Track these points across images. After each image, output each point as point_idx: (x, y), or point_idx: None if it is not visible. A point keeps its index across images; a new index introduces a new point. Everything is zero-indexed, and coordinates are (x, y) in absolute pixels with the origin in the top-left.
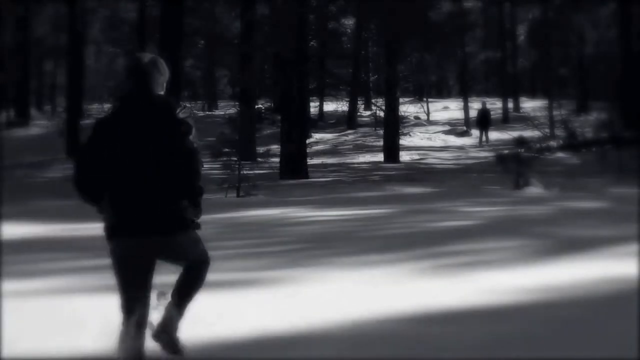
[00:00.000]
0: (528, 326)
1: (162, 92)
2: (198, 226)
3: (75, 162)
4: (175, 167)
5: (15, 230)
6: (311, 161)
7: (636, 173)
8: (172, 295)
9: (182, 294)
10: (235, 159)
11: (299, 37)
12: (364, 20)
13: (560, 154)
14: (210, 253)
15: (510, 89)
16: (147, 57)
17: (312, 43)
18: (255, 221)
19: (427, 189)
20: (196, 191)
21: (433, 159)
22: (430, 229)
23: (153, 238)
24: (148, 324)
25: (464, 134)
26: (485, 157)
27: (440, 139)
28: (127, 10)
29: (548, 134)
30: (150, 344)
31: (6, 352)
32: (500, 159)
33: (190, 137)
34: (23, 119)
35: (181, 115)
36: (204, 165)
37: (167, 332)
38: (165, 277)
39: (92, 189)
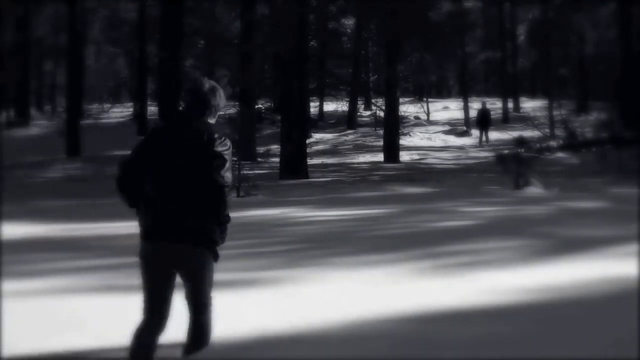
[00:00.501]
0: (528, 326)
1: (214, 120)
2: (216, 257)
3: (122, 164)
4: (205, 196)
5: (15, 230)
6: (311, 161)
7: (636, 173)
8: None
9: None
10: (235, 159)
11: (299, 37)
12: (364, 20)
13: (560, 154)
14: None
15: (510, 89)
16: (208, 84)
17: (312, 43)
18: (255, 221)
19: (427, 189)
20: (222, 220)
21: (433, 159)
22: (430, 229)
23: (177, 246)
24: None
25: (464, 134)
26: (485, 157)
27: (440, 139)
28: (127, 10)
29: (548, 134)
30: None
31: (6, 352)
32: (500, 159)
33: (222, 171)
34: (23, 119)
35: (219, 148)
36: None
37: None
38: None
39: (131, 191)
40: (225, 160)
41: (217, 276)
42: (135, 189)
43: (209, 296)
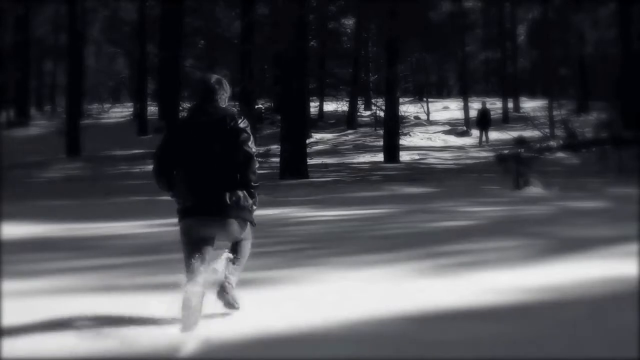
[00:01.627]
0: (528, 326)
1: (225, 105)
2: (253, 223)
3: (154, 158)
4: (236, 166)
5: (15, 230)
6: (311, 161)
7: (636, 173)
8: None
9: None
10: None
11: (299, 36)
12: (364, 20)
13: (560, 154)
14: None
15: (510, 89)
16: (213, 77)
17: (312, 43)
18: (256, 221)
19: (427, 189)
20: (251, 185)
21: (433, 159)
22: (430, 229)
23: (211, 218)
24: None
25: (464, 134)
26: (485, 157)
27: (440, 139)
28: (127, 10)
29: (548, 134)
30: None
31: (6, 352)
32: (500, 159)
33: (249, 143)
34: (23, 119)
35: (242, 125)
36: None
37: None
38: None
39: (166, 179)
40: (250, 135)
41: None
42: (169, 175)
43: (243, 262)
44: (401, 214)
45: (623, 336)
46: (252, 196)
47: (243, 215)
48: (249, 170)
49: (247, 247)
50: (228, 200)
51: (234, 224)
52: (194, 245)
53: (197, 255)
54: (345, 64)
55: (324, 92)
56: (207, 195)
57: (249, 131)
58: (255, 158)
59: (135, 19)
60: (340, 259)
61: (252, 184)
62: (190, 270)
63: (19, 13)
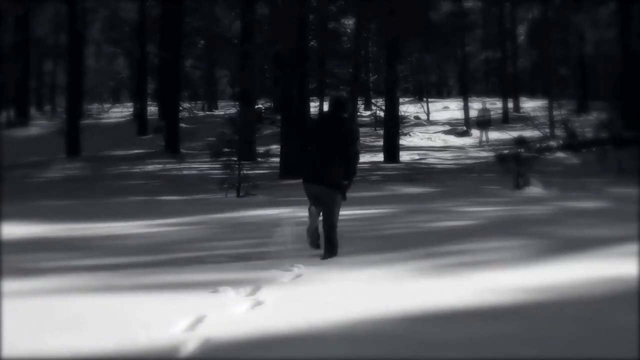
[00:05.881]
0: (528, 326)
1: (346, 115)
2: (344, 197)
3: (303, 138)
4: (345, 157)
5: (15, 230)
6: None
7: (636, 173)
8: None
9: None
10: (235, 159)
11: (299, 37)
12: (364, 20)
13: (560, 154)
14: (210, 252)
15: (510, 89)
16: (343, 97)
17: (312, 43)
18: (255, 221)
19: (427, 189)
20: (352, 172)
21: (433, 159)
22: (430, 229)
23: (320, 185)
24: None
25: (464, 134)
26: (485, 157)
27: (440, 139)
28: (127, 10)
29: (548, 134)
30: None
31: (6, 352)
32: (500, 159)
33: (357, 144)
34: (23, 119)
35: (354, 130)
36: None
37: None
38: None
39: (305, 154)
40: (358, 137)
41: (218, 276)
42: (306, 153)
43: (336, 221)
44: (401, 214)
45: (623, 336)
46: (349, 179)
47: (339, 189)
48: (354, 162)
49: (338, 212)
50: (334, 177)
51: (332, 192)
52: (310, 199)
53: (312, 207)
54: (345, 64)
55: (324, 92)
56: (322, 171)
57: (358, 135)
58: (359, 154)
59: (135, 19)
60: (341, 259)
61: (353, 172)
62: (310, 214)
63: (19, 13)
